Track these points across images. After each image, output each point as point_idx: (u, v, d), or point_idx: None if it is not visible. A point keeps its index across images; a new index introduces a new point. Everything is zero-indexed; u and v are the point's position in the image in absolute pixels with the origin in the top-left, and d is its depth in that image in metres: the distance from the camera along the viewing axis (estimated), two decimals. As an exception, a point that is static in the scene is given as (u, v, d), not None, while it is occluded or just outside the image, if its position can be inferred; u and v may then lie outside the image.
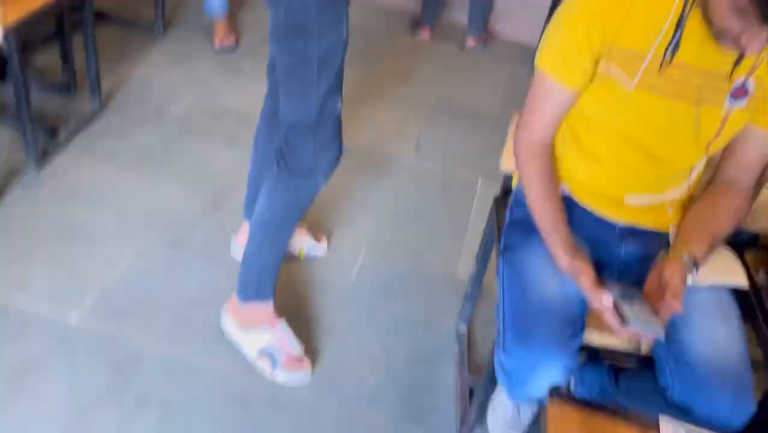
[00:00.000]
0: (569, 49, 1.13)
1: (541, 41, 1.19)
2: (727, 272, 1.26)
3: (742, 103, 1.11)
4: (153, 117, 2.51)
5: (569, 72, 1.14)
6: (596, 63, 1.13)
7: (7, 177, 2.09)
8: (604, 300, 1.07)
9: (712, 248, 1.18)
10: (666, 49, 1.07)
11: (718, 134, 1.14)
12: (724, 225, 1.22)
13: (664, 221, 1.27)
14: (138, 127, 2.43)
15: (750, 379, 1.12)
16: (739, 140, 1.20)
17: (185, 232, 2.03)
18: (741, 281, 1.26)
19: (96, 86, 2.41)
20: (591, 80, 1.15)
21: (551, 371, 1.14)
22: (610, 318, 1.07)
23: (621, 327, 1.06)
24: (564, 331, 1.15)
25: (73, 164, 2.21)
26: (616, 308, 1.06)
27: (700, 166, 1.26)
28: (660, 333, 1.05)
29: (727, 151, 1.23)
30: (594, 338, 1.23)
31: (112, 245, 1.93)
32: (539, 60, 1.18)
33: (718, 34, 1.01)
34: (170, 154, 2.33)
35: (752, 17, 0.92)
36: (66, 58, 2.46)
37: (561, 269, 1.17)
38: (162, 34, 3.03)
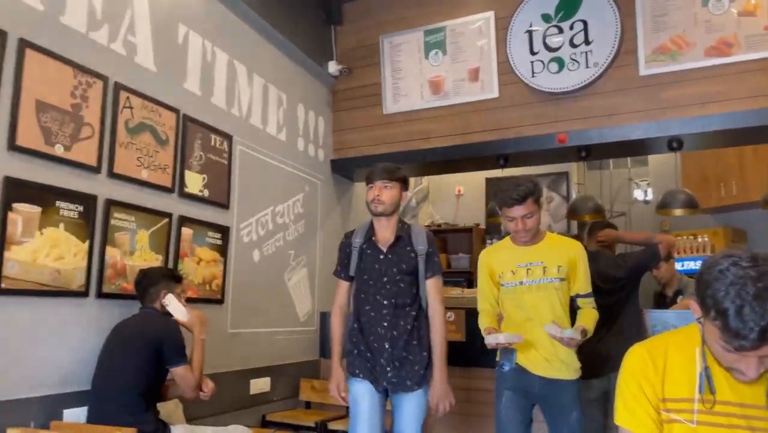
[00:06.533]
0: (634, 404, 1.27)
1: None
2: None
3: None
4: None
5: (639, 423, 1.27)
6: (658, 412, 1.23)
7: None
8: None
9: None
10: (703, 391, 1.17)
11: None
12: None
13: None
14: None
15: None
16: None
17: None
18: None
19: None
20: (661, 425, 1.24)
21: None
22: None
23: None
24: None
25: None
26: None
27: None
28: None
29: None
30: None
31: None
32: (616, 419, 1.32)
33: (728, 370, 1.12)
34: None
35: (734, 348, 1.03)
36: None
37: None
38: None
